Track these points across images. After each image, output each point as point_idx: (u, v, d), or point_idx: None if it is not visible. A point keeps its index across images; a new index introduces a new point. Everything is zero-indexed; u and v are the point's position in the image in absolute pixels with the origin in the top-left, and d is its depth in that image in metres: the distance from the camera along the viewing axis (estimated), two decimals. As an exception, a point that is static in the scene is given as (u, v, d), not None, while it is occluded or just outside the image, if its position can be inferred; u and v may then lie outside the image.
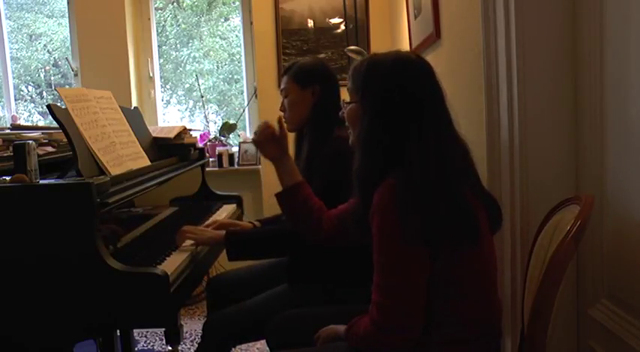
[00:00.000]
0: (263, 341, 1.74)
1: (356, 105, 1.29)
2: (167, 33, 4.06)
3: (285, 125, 1.68)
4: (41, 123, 3.79)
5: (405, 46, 3.02)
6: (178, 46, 4.06)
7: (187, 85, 4.06)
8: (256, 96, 3.71)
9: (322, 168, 1.71)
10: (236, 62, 4.04)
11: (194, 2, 4.04)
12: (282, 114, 1.86)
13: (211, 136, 3.76)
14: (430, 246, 1.15)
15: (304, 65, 1.87)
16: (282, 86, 1.91)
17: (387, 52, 1.30)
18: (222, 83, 4.10)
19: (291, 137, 1.75)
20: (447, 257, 1.18)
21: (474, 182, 1.28)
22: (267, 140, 1.63)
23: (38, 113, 4.10)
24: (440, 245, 1.16)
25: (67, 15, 3.79)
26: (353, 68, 1.31)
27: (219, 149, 3.61)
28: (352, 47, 3.11)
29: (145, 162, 1.84)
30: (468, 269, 1.21)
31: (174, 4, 4.04)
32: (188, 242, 1.76)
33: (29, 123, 3.70)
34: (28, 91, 4.15)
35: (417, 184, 1.15)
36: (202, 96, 3.87)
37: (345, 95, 1.47)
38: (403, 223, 1.14)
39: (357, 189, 1.27)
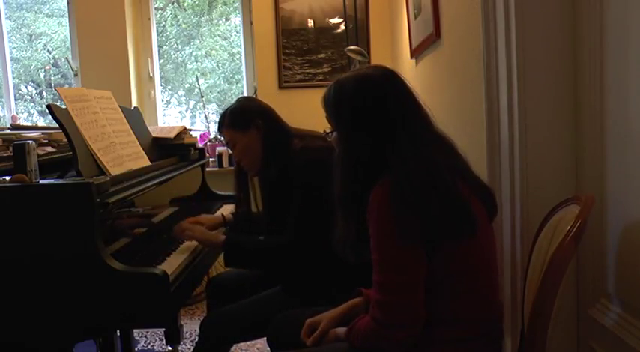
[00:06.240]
0: (263, 341, 1.74)
1: (336, 131, 1.32)
2: (167, 33, 4.05)
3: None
4: (41, 123, 3.79)
5: (405, 46, 3.02)
6: (179, 46, 4.06)
7: (187, 85, 4.06)
8: (256, 96, 3.70)
9: (299, 180, 1.70)
10: (236, 62, 4.04)
11: (194, 2, 4.04)
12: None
13: (211, 136, 3.76)
14: (427, 242, 1.16)
15: (234, 110, 1.85)
16: (225, 140, 1.90)
17: (349, 74, 1.33)
18: (222, 83, 4.10)
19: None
20: (444, 251, 1.18)
21: (464, 172, 1.28)
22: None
23: (38, 113, 4.10)
24: (437, 240, 1.17)
25: (67, 15, 3.79)
26: (322, 99, 1.34)
27: (219, 149, 3.61)
28: (352, 47, 3.11)
29: (145, 162, 1.84)
30: (466, 264, 1.21)
31: (175, 4, 4.03)
32: (189, 242, 1.76)
33: (29, 123, 3.70)
34: (28, 91, 4.15)
35: (405, 184, 1.16)
36: (202, 96, 3.87)
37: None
38: (399, 221, 1.15)
39: (341, 208, 1.29)
